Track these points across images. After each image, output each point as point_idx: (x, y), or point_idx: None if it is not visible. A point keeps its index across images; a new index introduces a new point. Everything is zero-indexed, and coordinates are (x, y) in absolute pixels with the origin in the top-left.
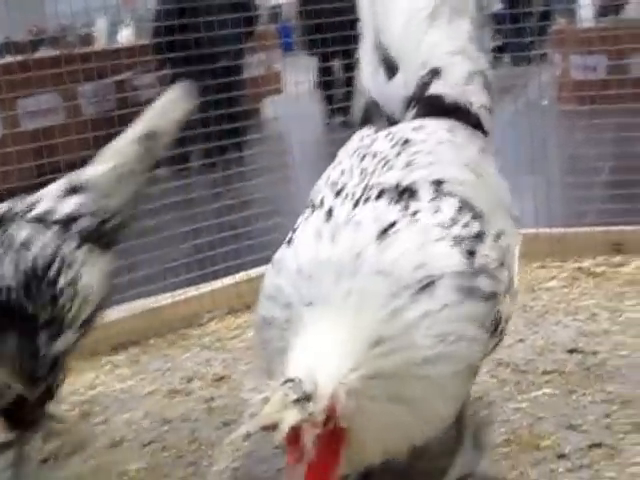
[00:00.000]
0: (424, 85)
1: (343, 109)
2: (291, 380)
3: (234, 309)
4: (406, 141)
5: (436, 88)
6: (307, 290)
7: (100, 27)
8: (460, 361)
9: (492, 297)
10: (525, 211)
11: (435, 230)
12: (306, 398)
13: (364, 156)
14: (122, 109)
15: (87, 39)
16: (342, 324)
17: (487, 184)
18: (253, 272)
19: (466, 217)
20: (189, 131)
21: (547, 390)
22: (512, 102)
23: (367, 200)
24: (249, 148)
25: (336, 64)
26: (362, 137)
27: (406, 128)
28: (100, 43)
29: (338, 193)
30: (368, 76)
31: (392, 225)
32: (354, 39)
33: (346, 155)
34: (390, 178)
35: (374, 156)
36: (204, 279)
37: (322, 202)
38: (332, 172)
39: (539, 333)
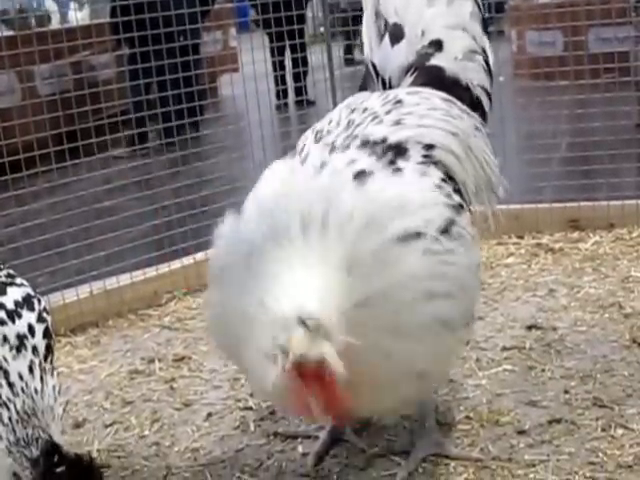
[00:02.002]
0: (426, 55)
1: (295, 89)
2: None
3: (193, 289)
4: (398, 101)
5: (438, 60)
6: (269, 226)
7: (50, 7)
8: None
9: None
10: None
11: (419, 186)
12: (320, 332)
13: (354, 109)
14: (79, 89)
15: (43, 19)
16: (311, 257)
17: (475, 160)
18: (212, 252)
19: (449, 188)
20: (148, 111)
21: (507, 366)
22: None
23: (347, 148)
24: (207, 127)
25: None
26: (357, 96)
27: (401, 91)
28: (55, 23)
29: (319, 139)
30: (367, 42)
31: (369, 173)
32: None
33: (338, 109)
34: (377, 131)
35: (364, 110)
36: (163, 259)
37: (303, 148)
38: (321, 123)
39: (498, 310)
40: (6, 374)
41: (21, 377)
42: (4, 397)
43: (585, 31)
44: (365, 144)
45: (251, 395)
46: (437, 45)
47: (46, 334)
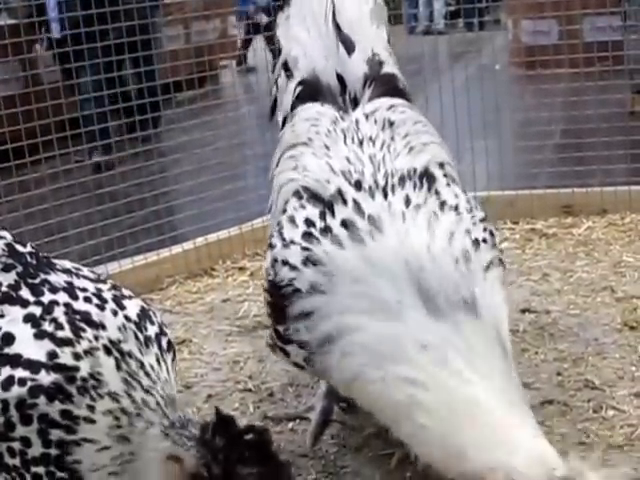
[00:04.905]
0: (379, 64)
1: None
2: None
3: (194, 273)
4: (390, 123)
5: (389, 68)
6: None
7: None
8: None
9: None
10: (477, 174)
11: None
12: None
13: (361, 142)
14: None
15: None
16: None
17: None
18: (211, 237)
19: (472, 201)
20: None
21: None
22: (465, 67)
23: (393, 189)
24: (207, 114)
25: None
26: (334, 118)
27: (380, 109)
28: None
29: (358, 185)
30: (320, 53)
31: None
32: None
33: (329, 138)
34: (404, 164)
35: (371, 140)
36: (164, 244)
37: (341, 194)
38: (333, 160)
39: None
40: (142, 365)
41: (152, 367)
42: (145, 385)
43: (580, 20)
44: (403, 181)
45: (250, 377)
46: (378, 56)
47: (169, 346)
